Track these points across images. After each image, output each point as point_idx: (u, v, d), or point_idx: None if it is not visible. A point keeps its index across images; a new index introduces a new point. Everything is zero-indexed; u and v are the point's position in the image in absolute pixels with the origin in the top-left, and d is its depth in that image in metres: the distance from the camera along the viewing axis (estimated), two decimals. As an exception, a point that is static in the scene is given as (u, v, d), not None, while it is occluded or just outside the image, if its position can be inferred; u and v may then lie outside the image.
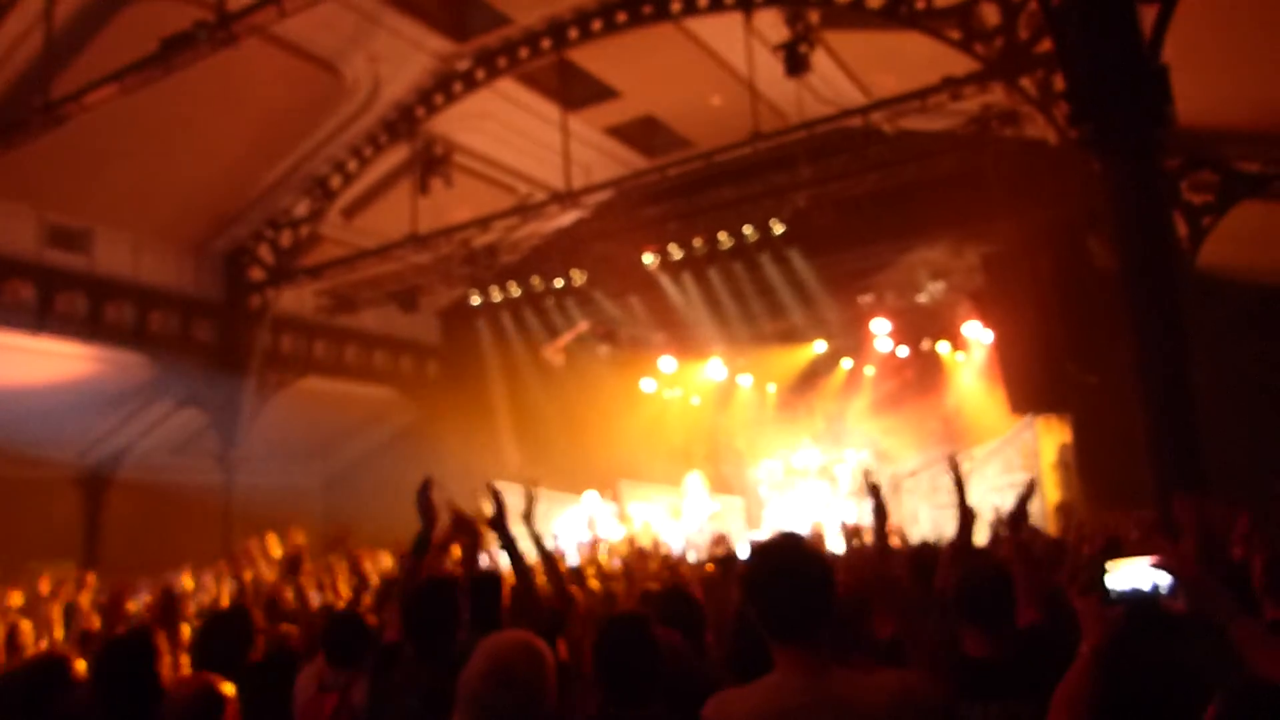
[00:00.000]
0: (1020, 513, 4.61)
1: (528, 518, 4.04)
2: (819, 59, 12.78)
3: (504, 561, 4.77)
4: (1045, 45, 8.79)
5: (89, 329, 15.00)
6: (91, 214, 15.12)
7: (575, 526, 17.93)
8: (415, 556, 3.91)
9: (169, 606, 4.71)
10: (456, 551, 5.20)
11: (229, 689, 2.82)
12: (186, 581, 10.83)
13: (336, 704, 3.95)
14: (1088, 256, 12.12)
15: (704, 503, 18.80)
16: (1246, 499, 8.44)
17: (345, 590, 5.99)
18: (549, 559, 4.03)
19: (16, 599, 8.60)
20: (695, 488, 19.03)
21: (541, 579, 4.00)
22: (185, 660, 4.02)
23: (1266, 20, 8.28)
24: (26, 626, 5.45)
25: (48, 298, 14.46)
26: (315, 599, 5.32)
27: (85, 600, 5.52)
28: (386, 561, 9.77)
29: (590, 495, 19.00)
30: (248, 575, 7.56)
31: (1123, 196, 7.18)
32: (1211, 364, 9.41)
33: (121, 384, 16.37)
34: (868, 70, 13.90)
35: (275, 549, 7.85)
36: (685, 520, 18.31)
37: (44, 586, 9.16)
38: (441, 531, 4.06)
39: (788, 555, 2.39)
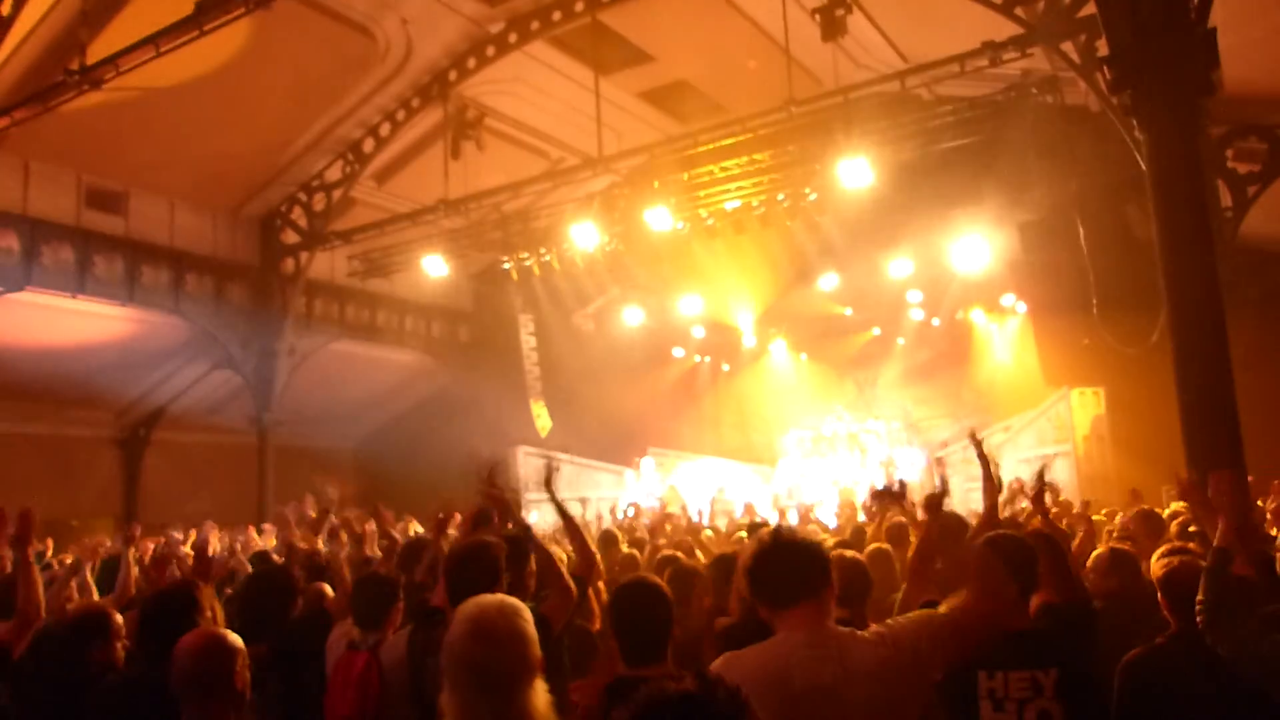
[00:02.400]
0: (1040, 493, 4.60)
1: (548, 485, 4.08)
2: (855, 23, 12.54)
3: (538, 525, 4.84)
4: (1088, 8, 8.58)
5: (126, 291, 15.20)
6: (128, 177, 15.27)
7: (619, 492, 18.11)
8: (470, 530, 3.97)
9: (205, 561, 4.81)
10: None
11: (237, 640, 2.84)
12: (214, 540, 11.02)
13: (367, 661, 4.01)
14: (1127, 226, 11.91)
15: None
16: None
17: (374, 551, 6.06)
18: (572, 524, 4.06)
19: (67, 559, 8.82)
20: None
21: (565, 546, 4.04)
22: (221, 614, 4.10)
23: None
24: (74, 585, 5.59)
25: (86, 260, 14.65)
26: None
27: (131, 554, 5.64)
28: (415, 528, 9.87)
29: (646, 462, 19.18)
30: (289, 535, 7.69)
31: (1165, 165, 7.00)
32: (1251, 336, 9.24)
33: (158, 345, 16.61)
34: (905, 34, 13.65)
35: (311, 510, 7.96)
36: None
37: (87, 542, 9.36)
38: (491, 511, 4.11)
39: (784, 544, 2.64)
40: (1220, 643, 3.12)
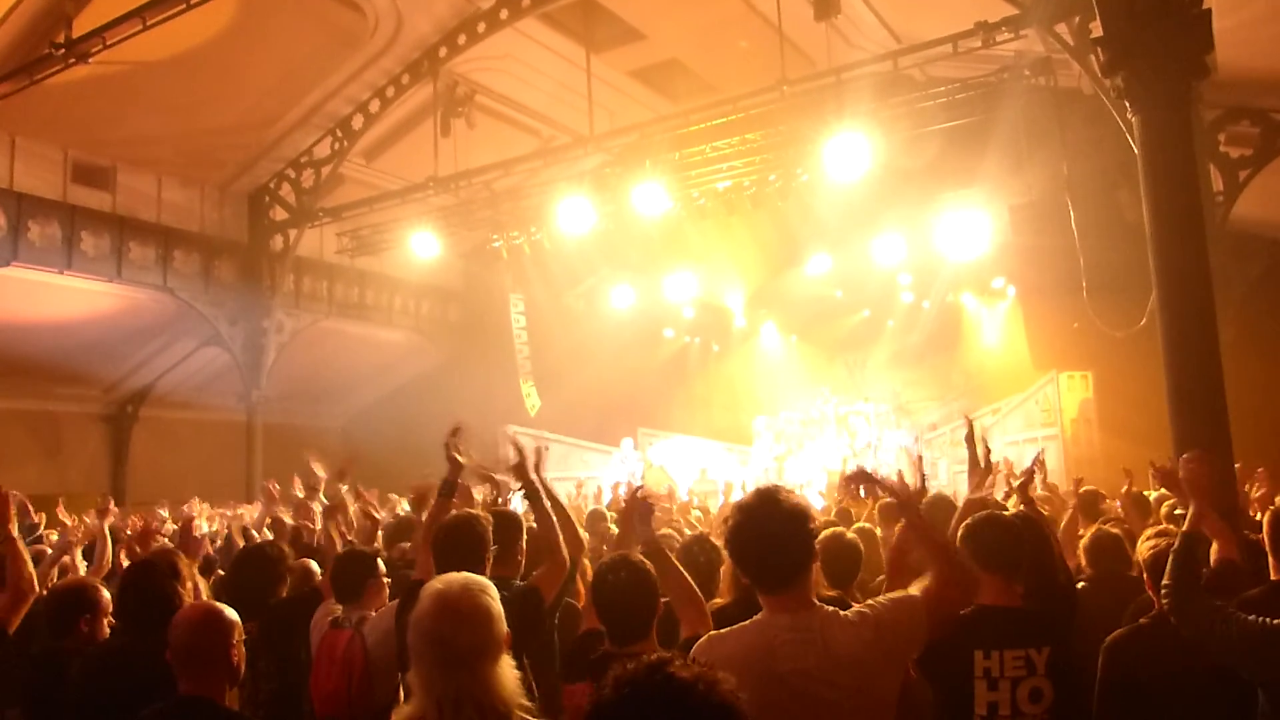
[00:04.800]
0: (1027, 480, 4.62)
1: (536, 469, 4.08)
2: (848, 2, 12.48)
3: (522, 507, 4.82)
4: (1082, -10, 8.56)
5: (113, 267, 15.12)
6: (115, 153, 15.17)
7: (611, 471, 18.11)
8: (442, 498, 3.97)
9: (189, 537, 4.81)
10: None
11: (233, 612, 2.87)
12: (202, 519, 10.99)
13: (350, 638, 4.03)
14: (1118, 209, 11.91)
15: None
16: (1274, 457, 8.37)
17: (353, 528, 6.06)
18: (559, 506, 4.06)
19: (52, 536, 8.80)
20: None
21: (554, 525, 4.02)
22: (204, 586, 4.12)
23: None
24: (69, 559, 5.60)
25: (73, 235, 14.56)
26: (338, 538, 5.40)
27: (105, 527, 5.65)
28: (400, 506, 9.85)
29: (626, 443, 19.17)
30: (272, 510, 7.68)
31: (1157, 149, 6.98)
32: (1241, 321, 9.28)
33: (145, 322, 16.54)
34: (898, 15, 13.58)
35: (298, 488, 7.94)
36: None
37: (70, 519, 9.34)
38: (456, 478, 4.09)
39: (766, 514, 2.53)
40: (1183, 624, 3.17)
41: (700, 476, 17.68)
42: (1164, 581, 3.27)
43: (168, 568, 3.60)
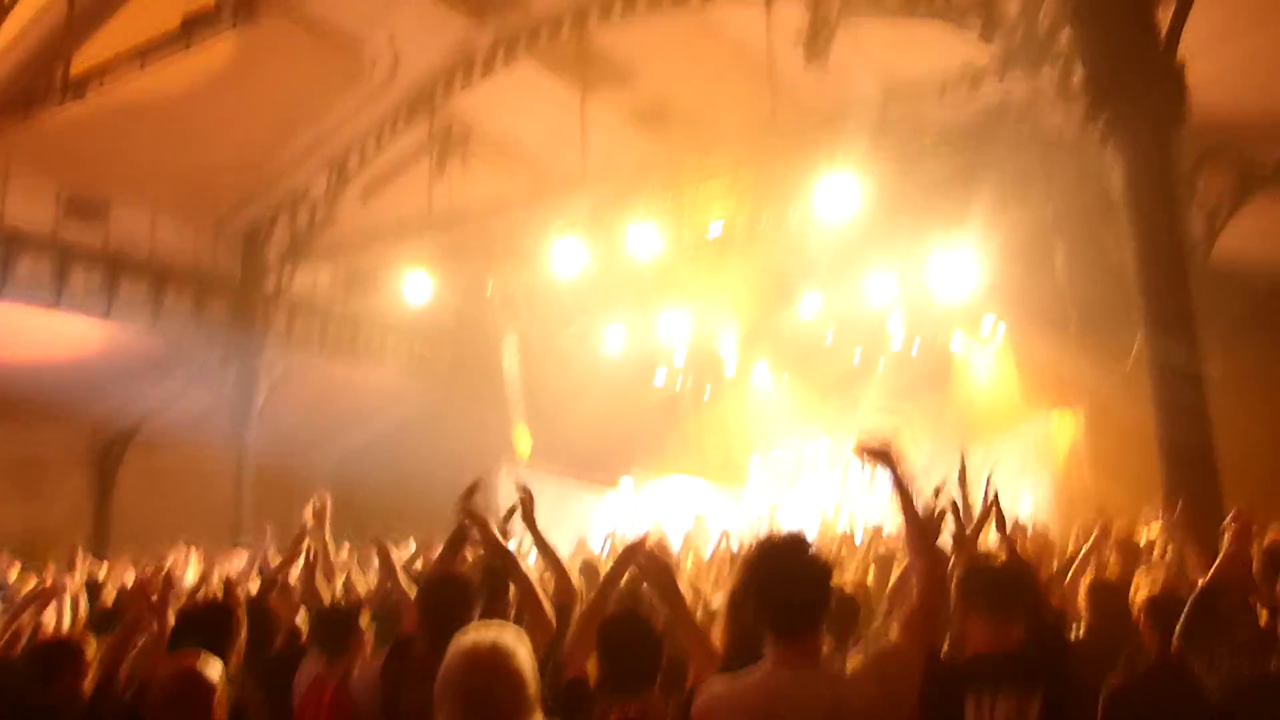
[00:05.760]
0: (1000, 518, 4.62)
1: (527, 517, 4.07)
2: (838, 47, 12.69)
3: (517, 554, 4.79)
4: (1065, 36, 8.72)
5: (104, 304, 15.06)
6: (109, 189, 15.17)
7: (607, 518, 18.04)
8: (449, 552, 3.97)
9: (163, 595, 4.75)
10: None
11: (214, 672, 2.81)
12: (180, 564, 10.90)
13: (335, 690, 4.00)
14: (1104, 249, 12.03)
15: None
16: (1262, 495, 8.40)
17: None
18: (550, 554, 4.06)
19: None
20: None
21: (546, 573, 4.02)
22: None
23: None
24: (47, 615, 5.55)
25: (64, 271, 14.51)
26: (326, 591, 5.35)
27: (80, 580, 5.58)
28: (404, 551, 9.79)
29: (625, 482, 19.14)
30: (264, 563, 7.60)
31: (1138, 189, 7.12)
32: (1226, 358, 9.35)
33: (134, 360, 16.44)
34: (887, 58, 13.80)
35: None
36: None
37: (49, 576, 9.28)
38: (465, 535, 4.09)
39: (793, 558, 2.48)
40: (1196, 665, 3.17)
41: (696, 525, 17.50)
42: (1180, 624, 3.30)
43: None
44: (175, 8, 9.79)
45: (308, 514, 7.38)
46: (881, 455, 2.77)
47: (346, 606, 4.54)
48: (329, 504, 5.85)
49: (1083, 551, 5.40)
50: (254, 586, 6.65)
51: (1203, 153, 11.22)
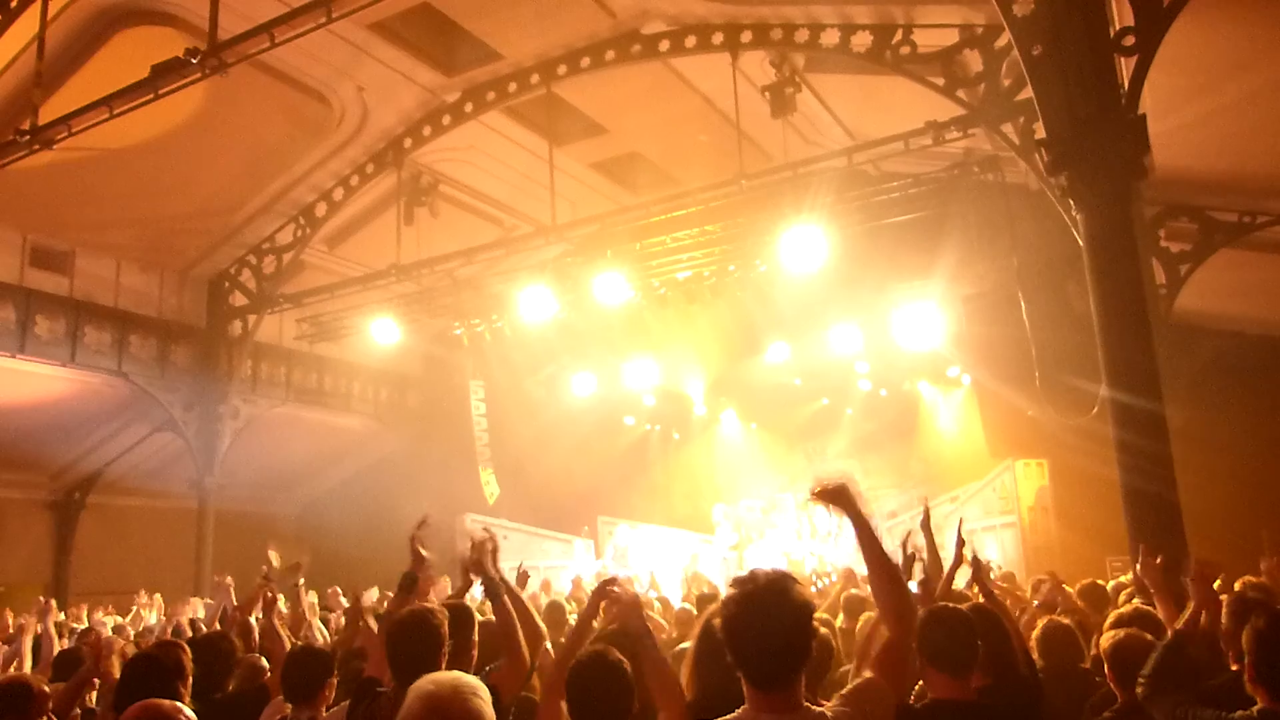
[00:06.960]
0: (976, 562, 4.65)
1: (493, 561, 4.03)
2: (804, 100, 12.95)
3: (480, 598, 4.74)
4: (1026, 93, 8.94)
5: (68, 351, 14.90)
6: (74, 237, 15.08)
7: (574, 562, 17.90)
8: (403, 592, 3.92)
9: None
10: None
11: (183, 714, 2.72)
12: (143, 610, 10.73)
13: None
14: (1067, 300, 12.25)
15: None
16: (1225, 545, 8.51)
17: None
18: (518, 600, 4.01)
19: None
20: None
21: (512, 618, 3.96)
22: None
23: (1244, 70, 8.44)
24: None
25: (28, 319, 14.37)
26: (288, 637, 5.26)
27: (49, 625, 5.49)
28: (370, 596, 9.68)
29: (589, 531, 19.03)
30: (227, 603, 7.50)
31: (1100, 243, 7.25)
32: (1189, 410, 9.50)
33: (98, 407, 16.24)
34: (853, 113, 14.08)
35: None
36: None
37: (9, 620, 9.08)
38: (418, 572, 4.05)
39: (771, 602, 2.33)
40: (1159, 713, 3.19)
41: (691, 567, 17.16)
42: (1144, 671, 3.31)
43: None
44: (145, 57, 9.74)
45: (274, 557, 7.31)
46: (839, 497, 2.63)
47: (316, 651, 4.40)
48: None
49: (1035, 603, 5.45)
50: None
51: (1165, 207, 11.50)
